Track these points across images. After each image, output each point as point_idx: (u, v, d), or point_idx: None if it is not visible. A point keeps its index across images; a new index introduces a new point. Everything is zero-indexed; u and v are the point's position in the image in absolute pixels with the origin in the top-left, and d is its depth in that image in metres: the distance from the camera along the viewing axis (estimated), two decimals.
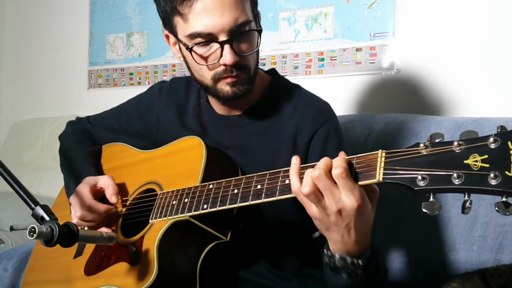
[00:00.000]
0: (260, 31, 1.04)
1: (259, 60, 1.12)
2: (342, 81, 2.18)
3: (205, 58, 1.02)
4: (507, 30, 1.82)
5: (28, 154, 3.06)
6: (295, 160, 0.81)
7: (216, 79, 1.03)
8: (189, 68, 1.10)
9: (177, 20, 1.01)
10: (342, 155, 0.77)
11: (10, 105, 3.55)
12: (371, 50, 2.11)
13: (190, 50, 1.01)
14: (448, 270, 1.36)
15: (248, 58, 1.03)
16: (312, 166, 0.79)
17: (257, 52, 1.08)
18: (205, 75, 1.05)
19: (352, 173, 0.76)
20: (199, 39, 0.99)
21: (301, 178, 0.78)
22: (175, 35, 1.05)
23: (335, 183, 0.75)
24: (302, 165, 0.82)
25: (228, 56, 0.98)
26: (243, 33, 1.00)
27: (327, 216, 0.78)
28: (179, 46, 1.08)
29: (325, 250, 0.85)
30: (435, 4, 1.97)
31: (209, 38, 0.99)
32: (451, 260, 1.36)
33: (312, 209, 0.79)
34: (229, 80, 1.03)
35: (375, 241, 0.86)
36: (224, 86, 1.04)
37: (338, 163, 0.75)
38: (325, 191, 0.75)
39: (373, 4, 2.10)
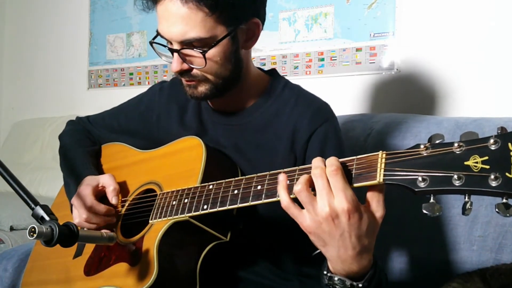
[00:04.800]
0: (205, 52, 1.00)
1: (259, 60, 1.12)
2: (342, 81, 2.18)
3: (165, 57, 1.09)
4: (507, 30, 1.82)
5: (28, 154, 3.06)
6: (282, 177, 0.80)
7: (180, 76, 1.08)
8: None
9: None
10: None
11: (10, 105, 3.55)
12: (371, 50, 2.11)
13: (151, 43, 1.07)
14: (448, 270, 1.36)
15: (203, 69, 1.03)
16: (302, 170, 0.80)
17: (234, 59, 1.06)
18: None
19: (350, 174, 0.75)
20: (162, 39, 1.05)
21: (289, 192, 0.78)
22: None
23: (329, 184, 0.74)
24: (294, 168, 0.82)
25: (173, 64, 1.03)
26: (193, 47, 1.01)
27: (319, 224, 0.75)
28: None
29: (324, 271, 0.82)
30: (435, 4, 1.97)
31: (167, 41, 1.04)
32: (451, 260, 1.36)
33: (305, 221, 0.77)
34: (184, 82, 1.08)
35: (379, 262, 0.83)
36: (185, 86, 1.09)
37: (332, 161, 0.75)
38: (321, 191, 0.74)
39: (373, 4, 2.10)
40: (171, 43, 1.03)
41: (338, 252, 0.76)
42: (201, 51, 1.00)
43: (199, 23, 0.98)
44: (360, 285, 0.78)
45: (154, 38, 1.06)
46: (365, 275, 0.79)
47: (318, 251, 0.82)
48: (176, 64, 1.02)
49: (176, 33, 0.99)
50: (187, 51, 1.02)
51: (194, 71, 1.04)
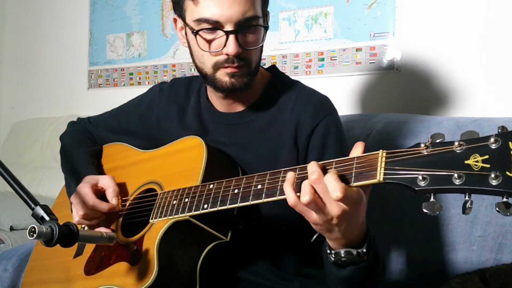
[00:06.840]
0: (266, 28, 1.06)
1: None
2: (342, 81, 2.18)
3: (209, 45, 1.04)
4: (506, 30, 1.82)
5: (28, 154, 3.06)
6: (290, 175, 0.80)
7: (217, 67, 1.05)
8: (191, 55, 1.11)
9: (188, 3, 1.03)
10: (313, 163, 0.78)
11: (10, 105, 3.55)
12: (371, 50, 2.11)
13: (195, 34, 1.03)
14: (448, 270, 1.36)
15: (251, 52, 1.05)
16: (302, 169, 0.80)
17: (261, 49, 1.09)
18: (206, 62, 1.06)
19: (350, 173, 0.75)
20: (205, 25, 1.01)
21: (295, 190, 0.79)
22: (183, 19, 1.07)
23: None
24: (294, 167, 0.83)
25: (231, 47, 1.00)
26: (250, 27, 1.02)
27: (329, 221, 0.78)
28: (185, 31, 1.10)
29: (328, 250, 0.87)
30: (435, 4, 1.97)
31: (215, 26, 1.00)
32: (451, 260, 1.36)
33: (312, 217, 0.79)
34: (229, 70, 1.04)
35: (370, 227, 0.88)
36: (223, 76, 1.05)
37: (313, 168, 0.76)
38: (324, 195, 0.75)
39: (373, 4, 2.10)
40: (221, 27, 1.00)
41: (343, 234, 0.81)
42: (263, 26, 1.03)
43: (254, 2, 1.01)
44: (365, 250, 0.84)
45: (198, 27, 1.02)
46: (365, 242, 0.85)
47: (316, 235, 0.86)
48: (234, 45, 1.00)
49: (237, 12, 0.98)
50: (244, 32, 1.01)
51: (248, 54, 1.04)
